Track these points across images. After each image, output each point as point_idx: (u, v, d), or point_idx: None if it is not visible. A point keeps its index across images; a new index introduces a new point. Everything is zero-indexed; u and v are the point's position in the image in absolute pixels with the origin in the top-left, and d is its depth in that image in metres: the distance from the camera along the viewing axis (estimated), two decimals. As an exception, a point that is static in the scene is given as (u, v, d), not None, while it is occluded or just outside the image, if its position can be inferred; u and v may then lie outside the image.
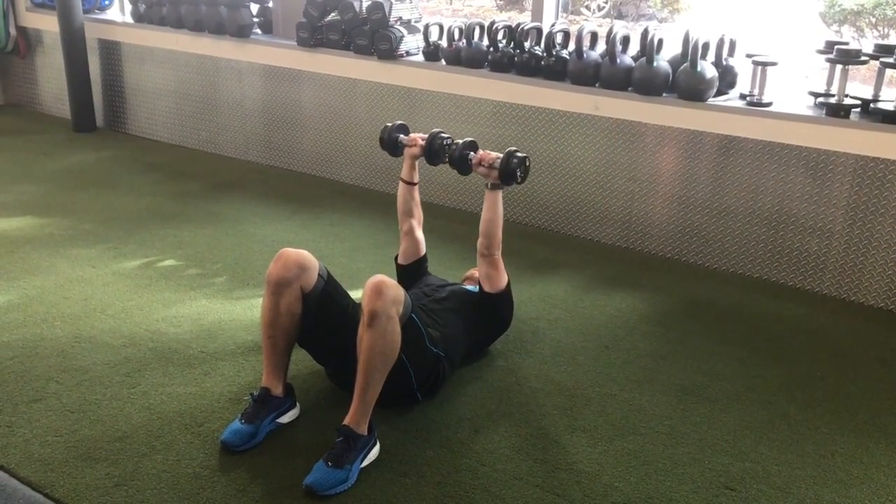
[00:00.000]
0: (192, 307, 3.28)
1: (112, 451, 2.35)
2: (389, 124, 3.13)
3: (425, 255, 3.18)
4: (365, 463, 2.31)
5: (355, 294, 2.64)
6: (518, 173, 2.75)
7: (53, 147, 5.57)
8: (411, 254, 3.15)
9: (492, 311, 2.93)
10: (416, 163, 3.12)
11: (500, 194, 2.82)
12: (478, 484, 2.28)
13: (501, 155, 2.78)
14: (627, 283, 3.71)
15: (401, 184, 3.15)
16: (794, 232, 3.71)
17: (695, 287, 3.72)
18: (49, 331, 3.04)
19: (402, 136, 3.11)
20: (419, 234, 3.16)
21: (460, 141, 2.88)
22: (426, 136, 3.04)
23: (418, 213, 3.17)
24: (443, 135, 3.01)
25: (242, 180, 5.04)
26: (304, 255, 2.51)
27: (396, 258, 3.19)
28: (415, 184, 3.14)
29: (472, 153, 2.84)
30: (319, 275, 2.52)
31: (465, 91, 4.44)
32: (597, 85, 4.04)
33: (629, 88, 3.95)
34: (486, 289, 2.89)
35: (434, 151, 2.99)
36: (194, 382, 2.73)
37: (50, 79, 6.33)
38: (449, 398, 2.69)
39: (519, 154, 2.75)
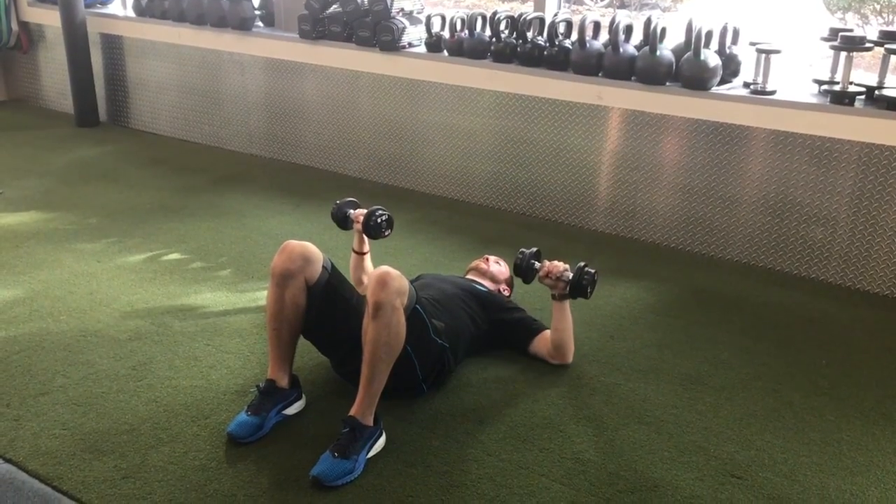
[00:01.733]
0: (197, 300, 3.29)
1: (119, 444, 2.36)
2: (339, 201, 3.19)
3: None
4: (371, 453, 2.31)
5: (360, 286, 2.64)
6: (588, 290, 2.73)
7: (57, 142, 5.58)
8: None
9: (510, 337, 2.93)
10: (364, 236, 3.14)
11: (567, 305, 2.78)
12: (484, 473, 2.29)
13: (566, 267, 2.74)
14: (632, 273, 3.71)
15: (352, 254, 3.20)
16: (799, 220, 3.70)
17: (699, 276, 3.71)
18: (55, 325, 3.05)
19: (350, 210, 3.16)
20: None
21: (526, 250, 2.82)
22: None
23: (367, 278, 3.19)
24: (379, 211, 3.04)
25: (246, 174, 5.04)
26: (309, 247, 2.51)
27: None
28: (364, 254, 3.20)
29: (537, 263, 2.81)
30: (324, 267, 2.52)
31: (467, 82, 4.43)
32: (600, 74, 4.03)
33: (632, 78, 3.94)
34: (549, 358, 2.85)
35: (370, 228, 3.04)
36: (200, 375, 2.74)
37: (52, 74, 6.33)
38: (454, 389, 2.70)
39: (589, 270, 2.72)
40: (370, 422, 2.32)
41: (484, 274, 3.12)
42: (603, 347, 3.02)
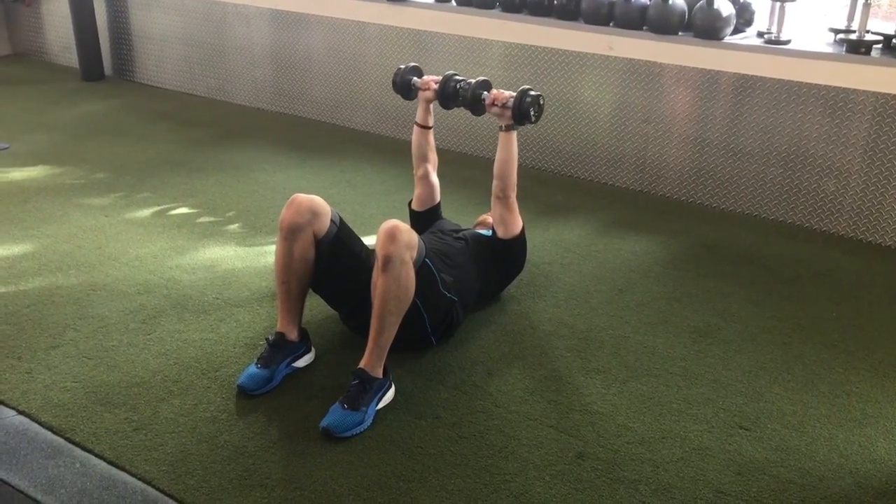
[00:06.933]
0: (205, 254, 3.29)
1: (130, 396, 2.38)
2: (402, 66, 3.06)
3: (439, 203, 3.15)
4: (380, 405, 2.33)
5: (369, 240, 2.63)
6: (532, 112, 2.69)
7: (63, 96, 5.54)
8: (426, 200, 3.11)
9: (505, 256, 2.91)
10: (431, 106, 3.06)
11: (514, 135, 2.77)
12: (492, 425, 2.30)
13: (512, 94, 2.72)
14: (641, 226, 3.69)
15: (415, 128, 3.09)
16: (811, 172, 3.66)
17: (710, 229, 3.69)
18: (64, 279, 3.05)
19: (415, 78, 3.04)
20: (434, 178, 3.12)
21: (473, 80, 2.81)
22: (440, 78, 2.97)
23: (433, 157, 3.13)
24: (456, 77, 2.93)
25: (252, 128, 5.00)
26: (317, 200, 2.50)
27: (410, 203, 3.16)
28: (429, 127, 3.09)
29: (485, 93, 2.77)
30: (332, 220, 2.51)
31: (475, 32, 4.36)
32: (611, 24, 3.96)
33: (644, 27, 3.87)
34: (501, 234, 2.87)
35: (447, 94, 2.91)
36: (210, 328, 2.75)
37: (56, 27, 6.26)
38: (463, 342, 2.70)
39: (532, 92, 2.69)
40: (379, 374, 2.33)
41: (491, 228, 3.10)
42: (612, 300, 3.01)
